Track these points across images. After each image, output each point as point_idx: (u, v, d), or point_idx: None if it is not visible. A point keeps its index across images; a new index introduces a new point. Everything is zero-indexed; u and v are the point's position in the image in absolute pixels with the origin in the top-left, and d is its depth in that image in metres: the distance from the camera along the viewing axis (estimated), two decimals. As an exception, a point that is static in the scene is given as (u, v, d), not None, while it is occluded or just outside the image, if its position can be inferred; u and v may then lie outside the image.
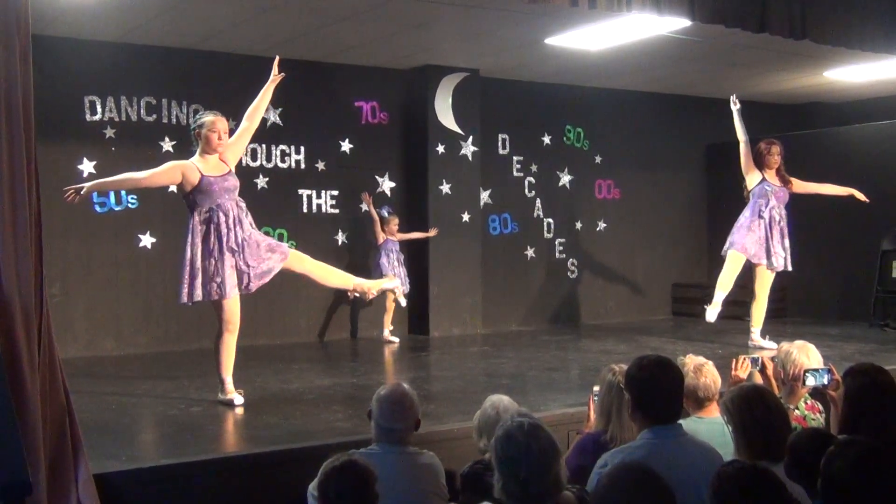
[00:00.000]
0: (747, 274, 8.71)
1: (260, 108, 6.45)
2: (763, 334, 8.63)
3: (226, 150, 6.28)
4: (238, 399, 6.16)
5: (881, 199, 10.63)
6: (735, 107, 8.60)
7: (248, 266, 6.12)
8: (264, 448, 5.06)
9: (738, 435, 3.56)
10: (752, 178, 8.64)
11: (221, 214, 6.10)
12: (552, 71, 10.56)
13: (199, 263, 6.04)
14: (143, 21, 8.06)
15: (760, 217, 8.53)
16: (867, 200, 8.82)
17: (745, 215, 8.64)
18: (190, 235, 6.11)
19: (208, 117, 6.28)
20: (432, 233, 10.06)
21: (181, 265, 6.10)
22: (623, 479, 2.91)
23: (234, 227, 6.12)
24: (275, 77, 6.42)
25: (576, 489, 3.22)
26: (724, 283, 8.59)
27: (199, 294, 6.05)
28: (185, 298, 6.08)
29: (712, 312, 8.55)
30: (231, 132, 6.39)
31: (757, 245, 8.51)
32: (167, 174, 6.16)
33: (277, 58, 6.52)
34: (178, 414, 5.96)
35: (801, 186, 8.75)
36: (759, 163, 8.62)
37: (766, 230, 8.50)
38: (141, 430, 5.89)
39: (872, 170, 10.78)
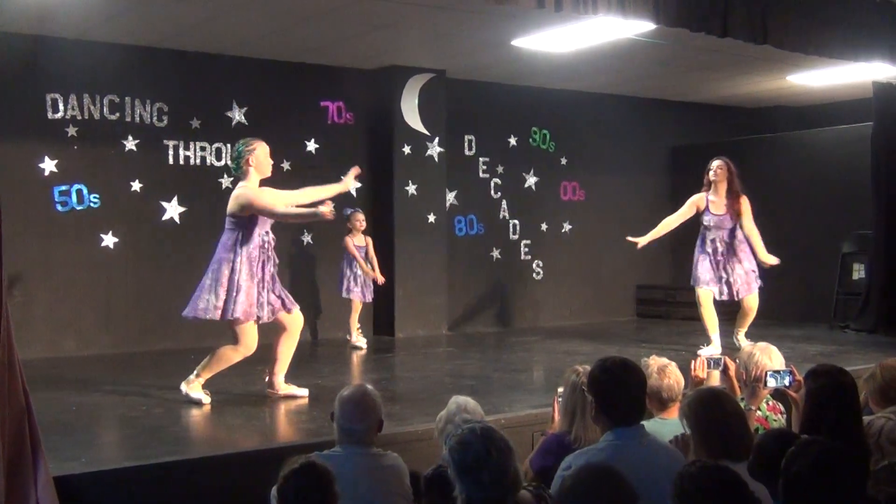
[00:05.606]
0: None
1: (315, 195, 6.42)
2: (747, 336, 8.37)
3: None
4: (192, 393, 6.20)
5: (842, 203, 10.78)
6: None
7: (276, 296, 6.24)
8: (227, 450, 5.04)
9: (696, 437, 3.59)
10: (701, 207, 8.37)
11: (269, 242, 6.20)
12: (518, 72, 10.58)
13: (244, 283, 5.99)
14: (107, 18, 7.97)
15: (705, 251, 8.37)
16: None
17: (696, 245, 8.48)
18: (236, 254, 6.02)
19: (260, 142, 6.25)
20: (380, 279, 9.49)
21: (221, 280, 5.98)
22: (587, 480, 2.92)
23: (273, 258, 6.26)
24: (345, 182, 6.51)
25: (533, 487, 3.22)
26: (710, 319, 8.30)
27: (254, 313, 6.05)
28: (217, 315, 5.99)
29: (707, 350, 8.08)
30: None
31: (710, 276, 8.31)
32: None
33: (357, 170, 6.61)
34: (139, 415, 5.90)
35: (746, 220, 8.29)
36: (707, 185, 8.39)
37: (720, 258, 8.30)
38: (102, 431, 5.83)
39: (834, 173, 10.92)
